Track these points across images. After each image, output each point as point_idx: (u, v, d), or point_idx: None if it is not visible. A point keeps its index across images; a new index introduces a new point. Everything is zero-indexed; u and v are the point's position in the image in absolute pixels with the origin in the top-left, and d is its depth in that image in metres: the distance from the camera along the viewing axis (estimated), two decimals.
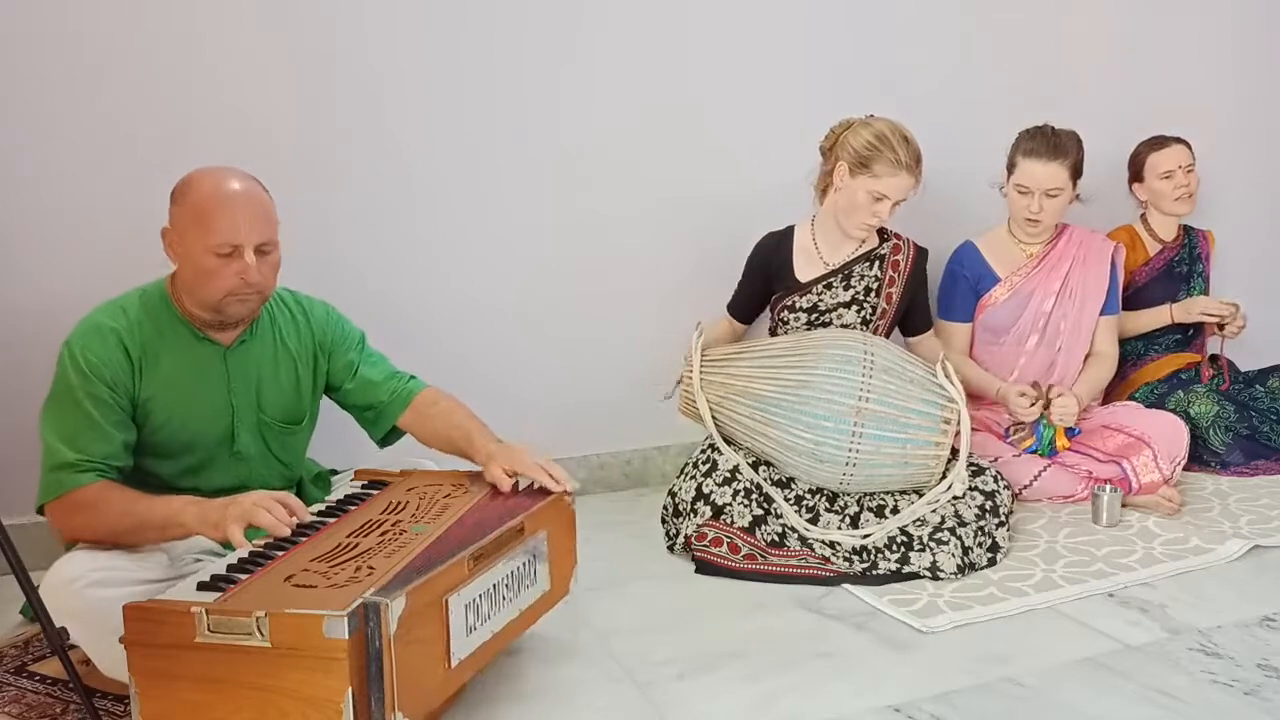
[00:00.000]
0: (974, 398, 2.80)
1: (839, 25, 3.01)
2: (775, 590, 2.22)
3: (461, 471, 2.02)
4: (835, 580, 2.25)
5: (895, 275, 2.66)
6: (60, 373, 1.80)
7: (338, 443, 2.24)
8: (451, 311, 2.73)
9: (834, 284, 2.63)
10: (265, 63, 2.49)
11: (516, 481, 1.91)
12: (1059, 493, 2.70)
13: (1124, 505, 2.60)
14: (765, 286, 2.70)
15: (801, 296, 2.63)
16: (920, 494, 2.41)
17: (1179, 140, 3.15)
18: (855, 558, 2.28)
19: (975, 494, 2.40)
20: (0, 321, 2.36)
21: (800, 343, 2.47)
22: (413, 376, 2.10)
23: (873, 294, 2.64)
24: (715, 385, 2.48)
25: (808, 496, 2.43)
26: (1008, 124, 2.87)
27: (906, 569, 2.26)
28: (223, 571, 1.57)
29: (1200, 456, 2.92)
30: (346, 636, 1.36)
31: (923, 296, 2.78)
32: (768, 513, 2.36)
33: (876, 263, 2.65)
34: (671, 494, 2.48)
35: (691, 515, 2.37)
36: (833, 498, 2.44)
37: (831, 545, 2.31)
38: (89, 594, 1.65)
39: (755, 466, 2.44)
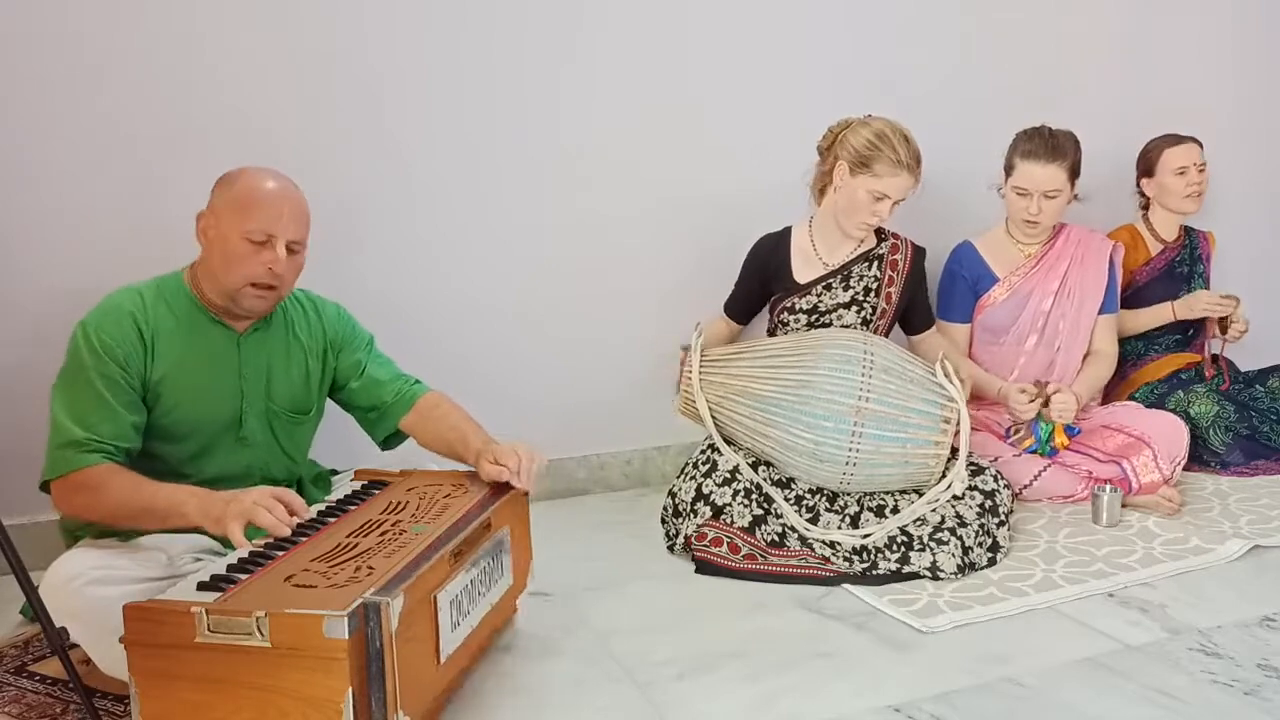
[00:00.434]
0: (975, 398, 2.80)
1: (839, 25, 3.01)
2: (775, 590, 2.22)
3: (461, 471, 2.02)
4: (835, 580, 2.25)
5: (894, 275, 2.65)
6: (73, 351, 1.82)
7: (338, 443, 2.25)
8: (451, 311, 2.73)
9: (833, 285, 2.63)
10: (265, 63, 2.49)
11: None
12: (1059, 493, 2.70)
13: (1124, 505, 2.60)
14: (763, 288, 2.70)
15: (801, 298, 2.63)
16: (920, 494, 2.41)
17: (1193, 139, 3.16)
18: (855, 558, 2.28)
19: (975, 494, 2.40)
20: (0, 321, 2.36)
21: (800, 342, 2.47)
22: (418, 380, 2.12)
23: (872, 294, 2.64)
24: (715, 385, 2.48)
25: (808, 496, 2.43)
26: (1008, 124, 2.87)
27: (906, 569, 2.26)
28: (223, 571, 1.57)
29: (1200, 456, 2.92)
30: (346, 636, 1.37)
31: (923, 295, 2.78)
32: (768, 513, 2.36)
33: (875, 262, 2.65)
34: (671, 494, 2.48)
35: (691, 515, 2.37)
36: (833, 498, 2.44)
37: (831, 545, 2.31)
38: (89, 592, 1.65)
39: (755, 466, 2.44)
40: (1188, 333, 3.21)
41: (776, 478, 2.44)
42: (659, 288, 2.90)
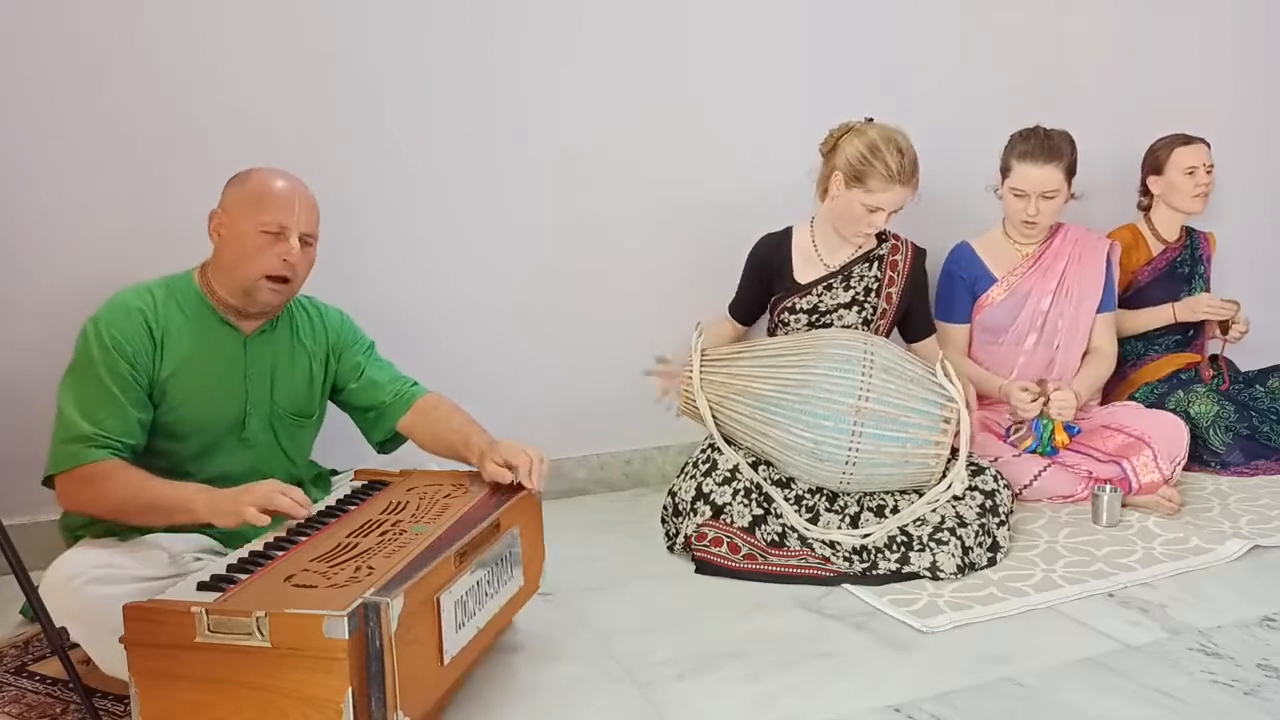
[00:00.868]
0: (977, 397, 2.81)
1: (839, 25, 3.01)
2: (775, 590, 2.22)
3: (461, 471, 2.02)
4: (835, 580, 2.25)
5: (895, 275, 2.66)
6: (82, 347, 1.83)
7: (338, 443, 2.25)
8: (451, 311, 2.73)
9: (834, 285, 2.63)
10: (265, 63, 2.49)
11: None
12: (1059, 493, 2.70)
13: (1124, 505, 2.60)
14: (765, 288, 2.70)
15: (802, 298, 2.63)
16: (920, 494, 2.41)
17: (1203, 140, 3.16)
18: (855, 558, 2.28)
19: (975, 493, 2.40)
20: (0, 321, 2.36)
21: (800, 342, 2.47)
22: (416, 383, 2.13)
23: (873, 294, 2.64)
24: (715, 385, 2.48)
25: (808, 496, 2.43)
26: (1007, 124, 2.87)
27: (906, 569, 2.26)
28: (223, 571, 1.57)
29: (1200, 456, 2.92)
30: (346, 636, 1.37)
31: (923, 300, 2.77)
32: (768, 512, 2.36)
33: (876, 263, 2.65)
34: (671, 494, 2.48)
35: (691, 515, 2.37)
36: (833, 497, 2.44)
37: (831, 545, 2.31)
38: (89, 591, 1.65)
39: (755, 466, 2.44)
40: (1188, 333, 3.21)
41: (776, 477, 2.44)
42: (659, 288, 2.90)
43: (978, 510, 2.36)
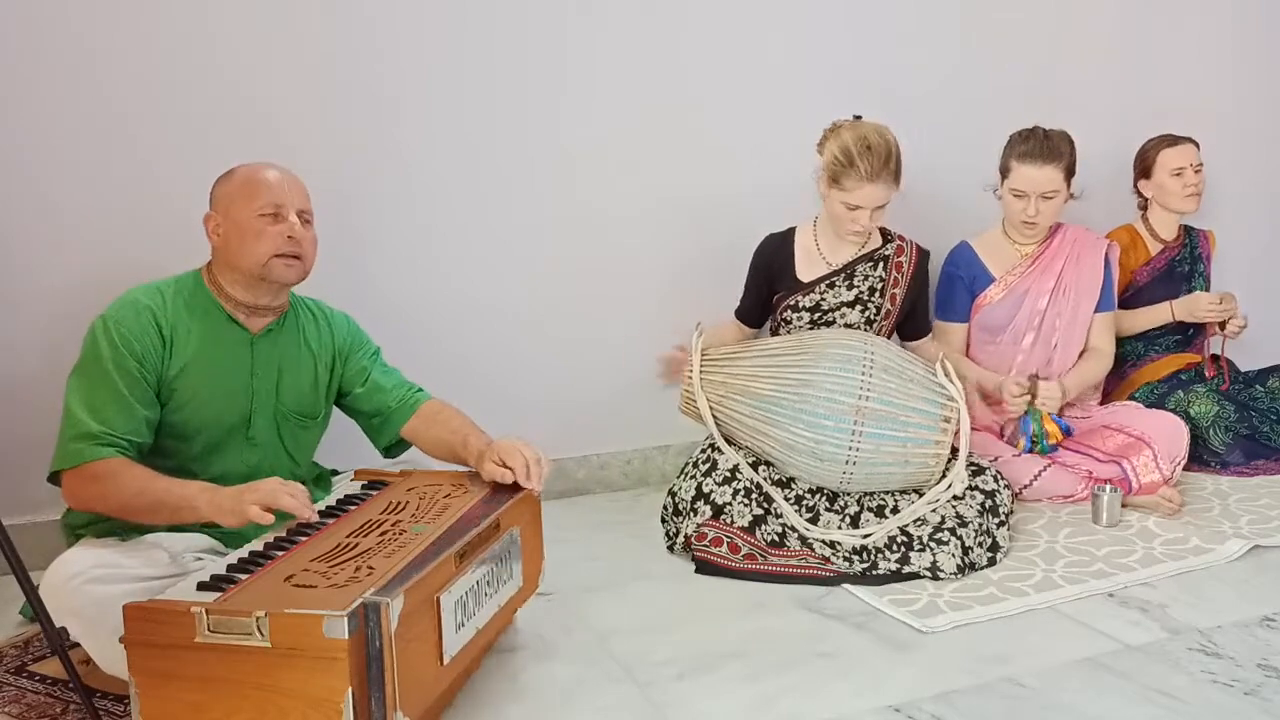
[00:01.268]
0: (983, 397, 2.81)
1: (839, 25, 3.01)
2: (775, 590, 2.22)
3: (461, 472, 2.02)
4: (835, 580, 2.25)
5: (899, 276, 2.66)
6: (90, 344, 1.83)
7: (338, 444, 2.24)
8: (451, 311, 2.73)
9: (836, 283, 2.63)
10: (265, 64, 2.49)
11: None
12: (1059, 493, 2.70)
13: (1124, 505, 2.60)
14: (769, 288, 2.70)
15: (804, 296, 2.63)
16: (920, 494, 2.41)
17: (1190, 140, 3.16)
18: (855, 558, 2.28)
19: (975, 493, 2.40)
20: (0, 321, 2.36)
21: (801, 342, 2.48)
22: (421, 389, 2.13)
23: (877, 294, 2.64)
24: (715, 384, 2.48)
25: (808, 496, 2.43)
26: (1007, 125, 2.87)
27: (906, 569, 2.26)
28: (223, 571, 1.57)
29: (1200, 456, 2.92)
30: (346, 636, 1.37)
31: (923, 301, 2.78)
32: (768, 512, 2.36)
33: (881, 264, 2.65)
34: (671, 493, 2.48)
35: (691, 515, 2.37)
36: (833, 497, 2.44)
37: (831, 545, 2.31)
38: (89, 590, 1.65)
39: (755, 466, 2.44)
40: (1188, 333, 3.21)
41: (776, 477, 2.44)
42: (659, 288, 2.90)
43: (978, 510, 2.36)
